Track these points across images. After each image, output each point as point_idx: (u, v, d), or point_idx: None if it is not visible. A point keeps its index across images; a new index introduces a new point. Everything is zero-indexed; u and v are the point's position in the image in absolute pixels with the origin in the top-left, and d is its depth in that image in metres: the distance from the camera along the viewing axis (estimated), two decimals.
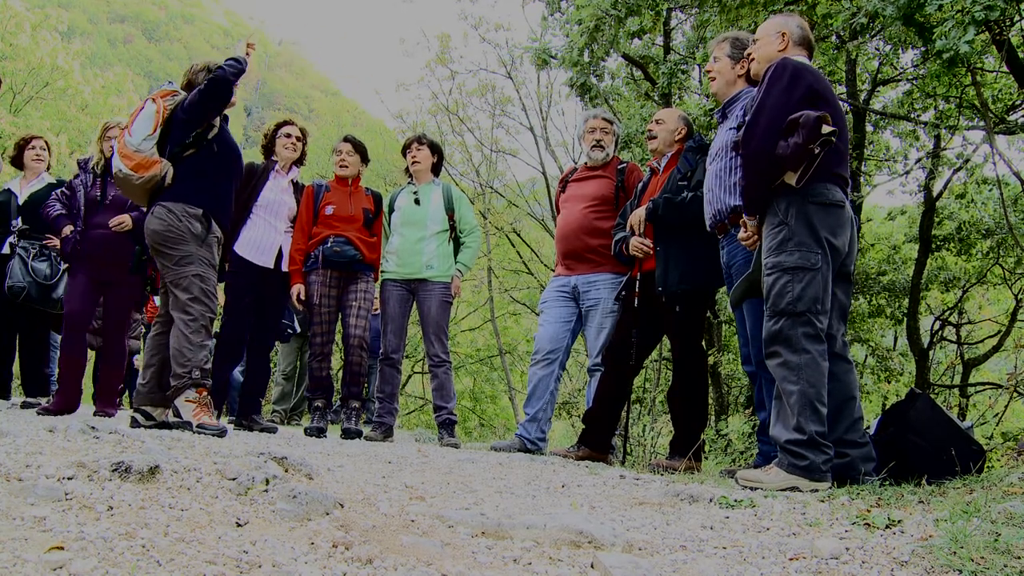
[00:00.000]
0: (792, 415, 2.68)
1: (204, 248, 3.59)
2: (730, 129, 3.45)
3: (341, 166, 4.74)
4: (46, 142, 5.47)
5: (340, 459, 2.90)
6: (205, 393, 3.48)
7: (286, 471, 2.05)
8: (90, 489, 1.57)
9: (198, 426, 3.36)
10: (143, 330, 7.61)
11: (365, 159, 4.86)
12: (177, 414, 3.45)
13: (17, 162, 5.36)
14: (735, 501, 2.24)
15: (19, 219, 5.10)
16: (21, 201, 5.15)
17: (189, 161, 3.62)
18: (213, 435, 3.28)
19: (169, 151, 3.62)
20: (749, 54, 3.18)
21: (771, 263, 2.81)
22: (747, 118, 2.87)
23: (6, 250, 5.04)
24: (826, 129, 2.64)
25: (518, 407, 16.86)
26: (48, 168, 5.43)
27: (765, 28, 3.12)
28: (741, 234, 3.09)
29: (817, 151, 2.66)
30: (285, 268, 4.57)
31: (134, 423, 3.55)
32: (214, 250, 3.67)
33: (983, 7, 3.57)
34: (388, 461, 2.99)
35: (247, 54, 3.78)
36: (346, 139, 4.85)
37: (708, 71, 3.68)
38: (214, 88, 3.57)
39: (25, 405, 4.99)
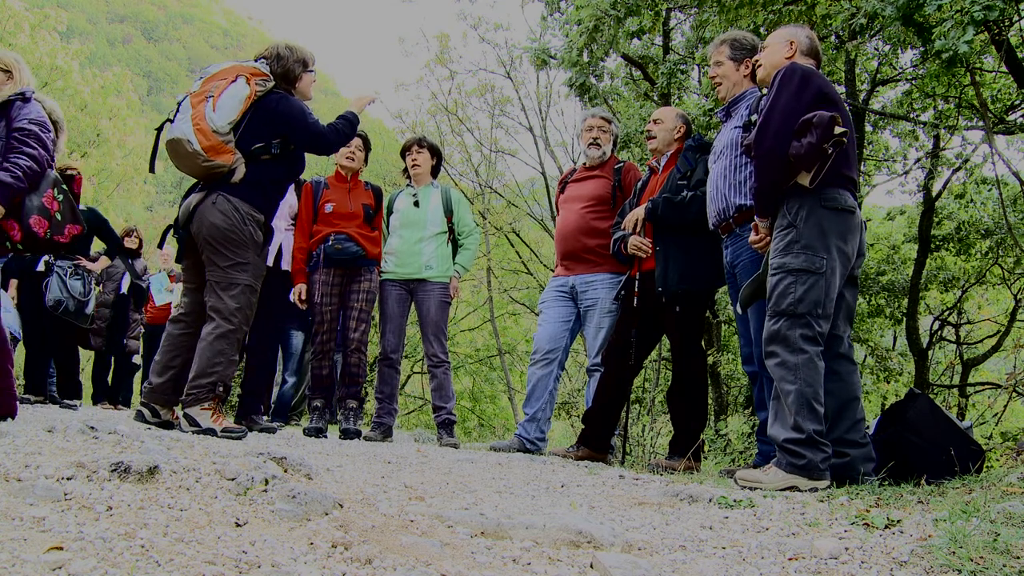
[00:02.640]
0: (790, 414, 2.69)
1: (260, 258, 3.40)
2: (735, 128, 3.45)
3: (348, 158, 4.66)
4: (79, 172, 5.85)
5: (339, 459, 2.90)
6: (217, 400, 3.35)
7: (285, 471, 2.04)
8: (89, 489, 1.56)
9: (223, 431, 3.24)
10: (142, 330, 7.62)
11: (367, 158, 4.85)
12: (194, 423, 3.27)
13: None
14: (734, 501, 2.24)
15: None
16: None
17: (264, 165, 3.39)
18: (237, 438, 3.22)
19: (246, 147, 3.35)
20: (757, 60, 3.21)
21: (776, 264, 2.82)
22: (757, 119, 2.88)
23: (40, 268, 5.51)
24: (838, 129, 2.68)
25: (517, 407, 16.86)
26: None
27: (775, 36, 3.15)
28: (752, 236, 3.10)
29: (830, 151, 2.69)
30: (284, 266, 4.56)
31: (139, 416, 3.43)
32: (264, 261, 3.50)
33: (982, 7, 3.57)
34: (387, 461, 2.99)
35: (369, 103, 3.72)
36: (357, 134, 4.84)
37: (712, 77, 3.67)
38: (322, 145, 3.47)
39: (64, 407, 5.48)
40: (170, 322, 3.55)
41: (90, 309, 5.47)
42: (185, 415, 3.33)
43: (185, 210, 3.38)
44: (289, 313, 5.25)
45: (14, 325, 5.97)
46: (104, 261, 5.99)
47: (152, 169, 3.66)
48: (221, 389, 3.33)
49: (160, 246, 4.06)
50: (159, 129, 3.43)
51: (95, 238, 5.96)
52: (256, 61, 3.47)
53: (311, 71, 3.58)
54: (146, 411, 3.45)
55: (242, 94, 3.28)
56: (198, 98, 3.25)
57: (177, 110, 3.29)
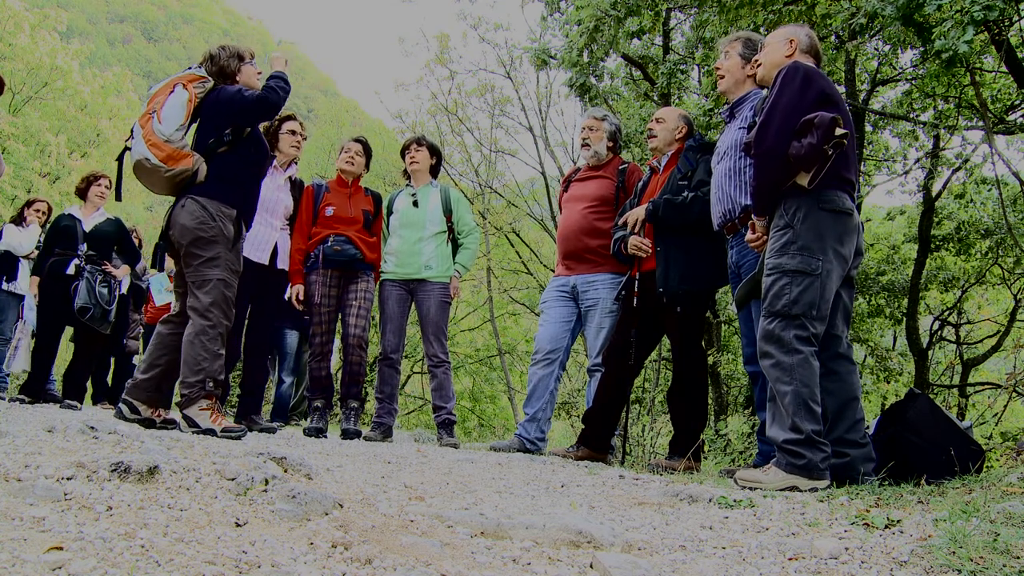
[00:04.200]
0: (787, 415, 2.68)
1: (233, 252, 3.45)
2: (740, 128, 3.45)
3: (348, 162, 4.72)
4: (110, 181, 6.02)
5: (339, 459, 2.90)
6: (215, 399, 3.38)
7: (285, 471, 2.05)
8: (89, 489, 1.56)
9: (223, 431, 3.26)
10: (142, 330, 7.62)
11: (368, 164, 4.88)
12: (193, 424, 3.30)
13: (82, 194, 5.92)
14: (734, 501, 2.24)
15: (84, 245, 5.67)
16: (87, 229, 5.79)
17: (224, 158, 3.48)
18: (238, 437, 3.25)
19: (202, 144, 3.49)
20: (757, 60, 3.20)
21: (772, 264, 2.82)
22: (759, 118, 2.88)
23: (69, 271, 5.57)
24: (839, 131, 2.67)
25: (517, 407, 16.87)
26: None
27: (774, 35, 3.14)
28: (749, 235, 3.10)
29: (830, 152, 2.68)
30: (280, 265, 4.56)
31: (119, 414, 3.45)
32: (241, 256, 3.55)
33: (982, 7, 3.57)
34: (387, 461, 2.99)
35: (284, 61, 3.76)
36: (357, 139, 4.87)
37: (717, 68, 3.67)
38: (266, 107, 3.52)
39: (65, 407, 5.43)
40: (160, 323, 3.63)
41: (112, 316, 5.56)
42: (184, 417, 3.37)
43: (165, 221, 3.53)
44: (282, 313, 5.26)
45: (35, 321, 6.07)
46: (125, 269, 6.04)
47: (119, 197, 3.87)
48: (212, 385, 3.35)
49: (153, 264, 4.15)
50: (120, 158, 3.62)
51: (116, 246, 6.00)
52: (190, 68, 3.62)
53: (249, 64, 3.69)
54: (124, 408, 3.48)
55: (182, 99, 3.42)
56: (145, 118, 3.42)
57: (131, 136, 3.47)
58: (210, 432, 3.26)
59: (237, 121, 3.52)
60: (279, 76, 3.64)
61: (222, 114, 3.50)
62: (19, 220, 6.53)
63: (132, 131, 3.48)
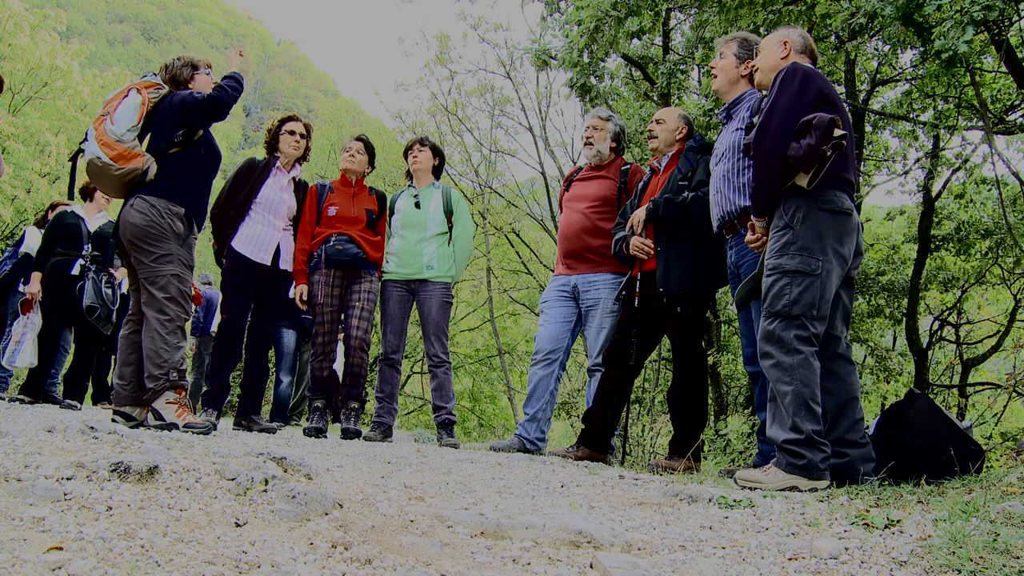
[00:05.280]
0: (788, 415, 2.68)
1: (184, 248, 3.55)
2: (737, 130, 3.45)
3: (349, 160, 4.74)
4: None
5: (339, 459, 2.90)
6: (183, 393, 3.45)
7: (285, 471, 2.05)
8: (89, 489, 1.57)
9: (185, 426, 3.33)
10: None
11: (371, 162, 4.89)
12: (159, 417, 3.38)
13: (87, 194, 5.97)
14: (734, 501, 2.24)
15: (89, 246, 5.73)
16: (91, 230, 5.82)
17: (173, 159, 3.58)
18: (201, 432, 3.28)
19: (153, 147, 3.58)
20: (754, 66, 3.21)
21: (772, 264, 2.82)
22: (757, 120, 2.88)
23: (74, 271, 5.63)
24: (838, 132, 2.67)
25: (517, 407, 16.86)
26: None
27: (768, 39, 3.15)
28: (749, 236, 3.10)
29: (829, 153, 2.68)
30: (283, 266, 4.56)
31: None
32: (193, 251, 3.64)
33: (981, 7, 3.57)
34: (387, 461, 2.99)
35: (239, 58, 3.85)
36: (358, 138, 4.89)
37: (711, 67, 3.68)
38: (215, 106, 3.59)
39: (65, 407, 5.53)
40: (123, 325, 3.70)
41: (115, 317, 5.61)
42: (151, 409, 3.45)
43: (116, 220, 3.62)
44: (282, 312, 5.26)
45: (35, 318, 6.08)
46: (124, 271, 6.06)
47: (71, 196, 4.05)
48: (175, 375, 3.42)
49: (109, 263, 4.21)
50: (74, 159, 3.77)
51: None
52: (146, 76, 3.75)
53: (203, 72, 3.80)
54: (120, 419, 3.54)
55: (135, 102, 3.53)
56: (99, 121, 3.53)
57: (86, 138, 3.58)
58: (172, 427, 3.33)
59: (187, 122, 3.60)
60: (231, 76, 3.73)
61: (173, 117, 3.59)
62: (42, 223, 6.54)
63: (87, 134, 3.58)
